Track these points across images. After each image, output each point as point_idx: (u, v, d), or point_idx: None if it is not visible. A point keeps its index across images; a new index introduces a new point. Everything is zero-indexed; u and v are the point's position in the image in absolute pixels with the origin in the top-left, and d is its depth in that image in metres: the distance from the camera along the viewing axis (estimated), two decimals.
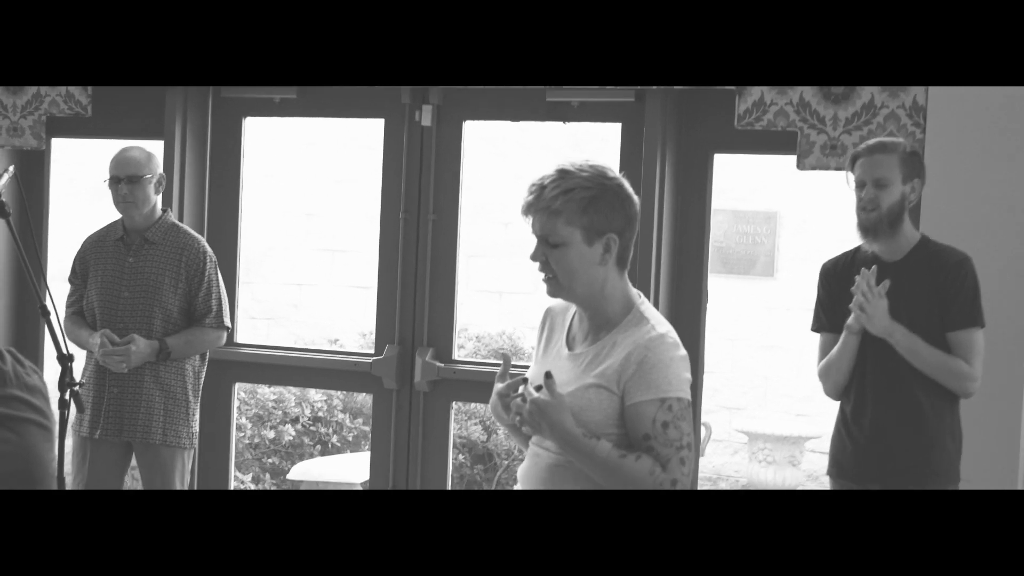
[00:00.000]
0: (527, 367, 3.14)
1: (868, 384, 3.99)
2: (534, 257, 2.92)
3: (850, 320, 3.95)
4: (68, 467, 4.88)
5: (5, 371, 1.84)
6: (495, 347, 8.79)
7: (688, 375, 2.89)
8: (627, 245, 2.93)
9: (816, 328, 4.19)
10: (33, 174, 5.69)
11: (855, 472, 4.02)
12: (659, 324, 2.92)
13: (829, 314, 4.12)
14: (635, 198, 2.94)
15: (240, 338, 5.67)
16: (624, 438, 2.86)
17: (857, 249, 4.08)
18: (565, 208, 2.86)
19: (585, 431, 2.83)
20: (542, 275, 2.94)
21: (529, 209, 2.91)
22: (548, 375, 2.87)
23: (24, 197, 4.31)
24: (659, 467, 2.80)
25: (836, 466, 4.11)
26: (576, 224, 2.86)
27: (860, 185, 3.96)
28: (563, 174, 2.89)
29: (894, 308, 3.88)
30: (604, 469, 2.82)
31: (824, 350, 4.12)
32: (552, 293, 2.95)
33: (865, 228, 3.97)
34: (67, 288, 4.93)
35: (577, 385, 2.90)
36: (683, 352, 2.90)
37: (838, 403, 4.12)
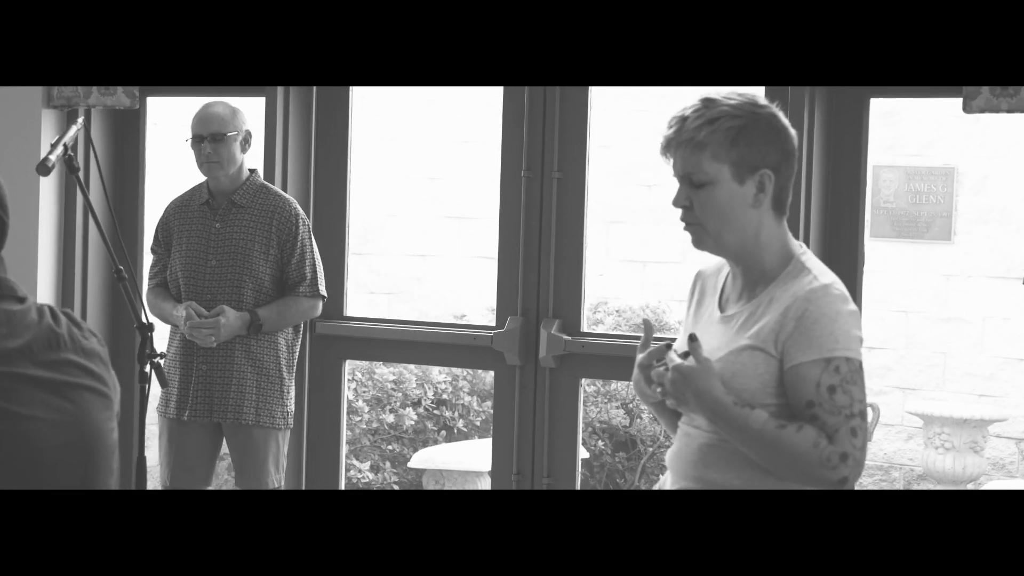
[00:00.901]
0: (674, 339, 3.03)
1: None
2: (676, 201, 2.81)
3: None
4: (149, 450, 4.95)
5: (59, 334, 1.86)
6: (637, 322, 8.75)
7: (859, 333, 2.75)
8: (784, 185, 2.81)
9: None
10: (128, 136, 5.79)
11: None
12: (823, 274, 2.79)
13: None
14: (792, 131, 2.83)
15: (355, 313, 5.72)
16: (785, 409, 2.73)
17: None
18: (711, 140, 2.74)
19: (737, 400, 2.72)
20: (684, 223, 2.82)
21: (669, 145, 2.80)
22: (692, 337, 2.76)
23: (95, 152, 4.37)
24: (825, 438, 2.67)
25: None
26: (724, 159, 2.75)
27: None
28: (708, 103, 2.78)
29: None
30: (760, 443, 2.70)
31: None
32: (698, 244, 2.83)
33: None
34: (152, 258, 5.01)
35: (729, 348, 2.78)
36: (852, 307, 2.76)
37: None
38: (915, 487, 9.57)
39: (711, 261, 2.96)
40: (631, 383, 2.96)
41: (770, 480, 2.75)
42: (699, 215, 2.79)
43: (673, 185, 2.83)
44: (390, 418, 8.12)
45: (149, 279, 4.98)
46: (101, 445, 1.84)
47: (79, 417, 1.82)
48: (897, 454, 9.68)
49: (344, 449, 5.61)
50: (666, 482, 2.96)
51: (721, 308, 2.89)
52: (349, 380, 7.84)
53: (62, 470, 1.80)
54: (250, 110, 5.08)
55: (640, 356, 2.88)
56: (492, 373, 5.33)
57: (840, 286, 2.78)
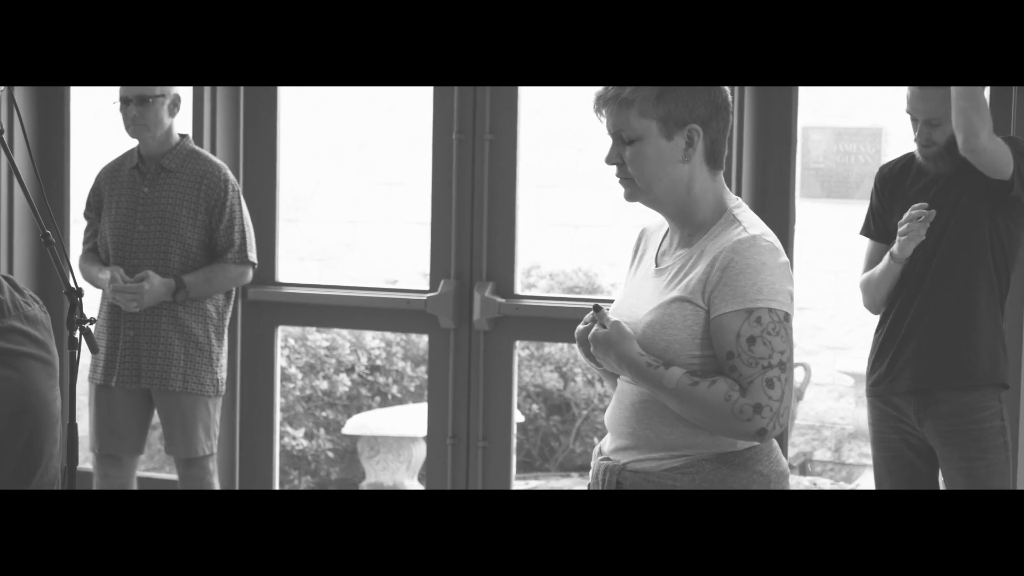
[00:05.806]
0: (608, 300, 3.06)
1: (909, 291, 4.11)
2: (608, 159, 2.84)
3: (894, 249, 4.03)
4: (80, 419, 4.91)
5: (3, 301, 1.80)
6: (570, 285, 8.77)
7: (789, 287, 2.75)
8: (716, 139, 2.83)
9: (864, 232, 4.30)
10: (53, 99, 5.72)
11: (887, 382, 4.14)
12: (753, 226, 2.80)
13: (878, 221, 4.23)
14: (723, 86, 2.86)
15: (287, 279, 5.70)
16: (713, 361, 2.75)
17: (913, 155, 4.18)
18: (637, 96, 2.78)
19: (653, 359, 2.75)
20: (618, 179, 2.86)
21: (599, 103, 2.83)
22: (597, 308, 2.83)
23: (19, 115, 4.33)
24: (737, 391, 2.69)
25: (870, 379, 4.23)
26: (651, 115, 2.78)
27: (913, 119, 4.08)
28: None
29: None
30: (677, 400, 2.73)
31: (870, 258, 4.24)
32: (630, 197, 2.87)
33: (927, 159, 4.10)
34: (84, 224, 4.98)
35: (660, 301, 2.81)
36: (782, 259, 2.77)
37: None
38: (846, 446, 9.67)
39: (655, 219, 2.98)
40: (566, 346, 3.01)
41: (702, 435, 2.78)
42: (630, 171, 2.82)
43: (604, 147, 2.86)
44: (324, 384, 8.10)
45: (82, 244, 4.95)
46: (47, 415, 1.79)
47: (24, 386, 1.76)
48: (828, 413, 9.77)
49: (278, 416, 5.61)
50: (605, 443, 2.97)
51: (657, 262, 2.92)
52: (282, 346, 7.82)
53: (8, 440, 1.76)
54: None
55: (578, 328, 2.91)
56: (426, 337, 5.33)
57: (770, 238, 2.79)
